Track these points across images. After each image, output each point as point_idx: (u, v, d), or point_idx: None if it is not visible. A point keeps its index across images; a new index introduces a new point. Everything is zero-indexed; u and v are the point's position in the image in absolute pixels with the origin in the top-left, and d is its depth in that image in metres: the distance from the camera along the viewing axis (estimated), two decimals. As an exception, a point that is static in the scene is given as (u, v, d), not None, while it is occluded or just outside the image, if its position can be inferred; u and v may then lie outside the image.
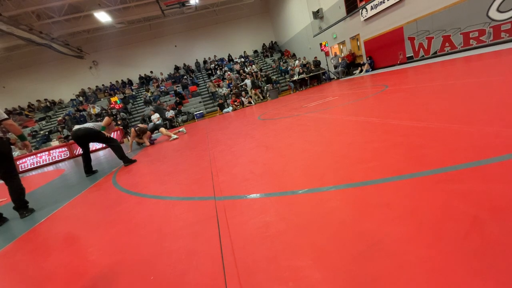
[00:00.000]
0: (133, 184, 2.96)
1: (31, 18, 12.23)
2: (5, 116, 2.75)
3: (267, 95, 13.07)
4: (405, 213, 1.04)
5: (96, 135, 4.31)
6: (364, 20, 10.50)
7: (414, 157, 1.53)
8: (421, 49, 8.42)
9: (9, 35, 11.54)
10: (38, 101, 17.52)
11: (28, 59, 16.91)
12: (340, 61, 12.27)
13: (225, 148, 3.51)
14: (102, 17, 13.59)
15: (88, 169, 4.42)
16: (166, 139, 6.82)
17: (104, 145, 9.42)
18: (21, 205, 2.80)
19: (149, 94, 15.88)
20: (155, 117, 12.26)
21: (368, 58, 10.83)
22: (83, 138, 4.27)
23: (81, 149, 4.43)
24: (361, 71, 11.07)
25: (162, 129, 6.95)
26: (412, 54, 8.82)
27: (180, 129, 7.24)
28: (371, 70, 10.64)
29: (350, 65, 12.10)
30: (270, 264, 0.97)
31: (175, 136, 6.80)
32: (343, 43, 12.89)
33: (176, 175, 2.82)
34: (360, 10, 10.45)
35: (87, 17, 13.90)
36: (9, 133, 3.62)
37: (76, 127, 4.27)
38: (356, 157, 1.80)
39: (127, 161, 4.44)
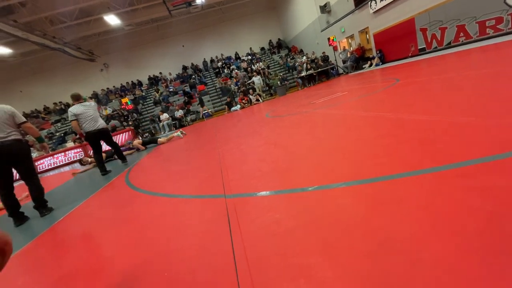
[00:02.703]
0: (145, 183, 3.03)
1: (44, 23, 12.63)
2: (24, 119, 2.87)
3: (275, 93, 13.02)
4: (419, 210, 1.02)
5: (109, 134, 4.71)
6: (373, 12, 10.23)
7: (427, 152, 1.49)
8: (434, 40, 8.14)
9: (25, 41, 11.99)
10: (54, 103, 18.15)
11: (43, 64, 17.51)
12: (349, 55, 12.04)
13: (233, 146, 3.53)
14: (112, 20, 13.86)
15: (103, 168, 4.60)
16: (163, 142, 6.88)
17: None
18: (41, 204, 2.92)
19: (157, 95, 16.14)
20: (164, 117, 12.42)
21: (378, 52, 10.57)
22: (100, 135, 4.53)
23: (92, 149, 4.63)
24: (370, 65, 10.82)
25: (160, 139, 6.99)
26: (425, 46, 8.53)
27: (176, 134, 7.31)
28: (381, 64, 10.38)
29: (359, 59, 11.85)
30: (281, 261, 0.97)
31: (179, 133, 7.05)
32: (351, 37, 12.63)
33: (187, 174, 2.87)
34: (369, 2, 10.19)
35: (97, 20, 14.22)
36: (27, 135, 3.78)
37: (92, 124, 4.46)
38: (366, 153, 1.77)
39: (125, 160, 5.10)
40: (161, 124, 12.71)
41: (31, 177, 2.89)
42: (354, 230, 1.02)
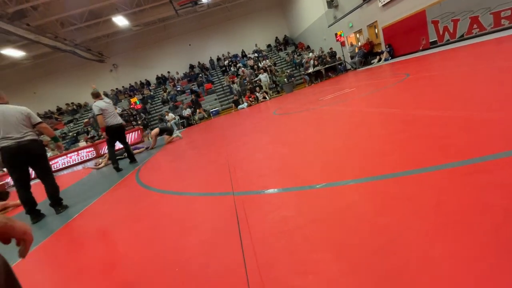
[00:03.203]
0: (155, 181, 3.09)
1: (55, 26, 12.96)
2: (39, 119, 2.97)
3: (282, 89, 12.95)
4: (430, 207, 1.00)
5: (125, 130, 5.01)
6: (383, 5, 10.00)
7: (438, 148, 1.46)
8: (446, 32, 7.89)
9: (37, 44, 12.34)
10: (67, 104, 18.66)
11: (55, 65, 17.98)
12: (357, 50, 11.83)
13: (241, 144, 3.55)
14: (120, 21, 14.08)
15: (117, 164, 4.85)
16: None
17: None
18: (56, 202, 3.02)
19: (165, 94, 16.34)
20: (170, 117, 12.55)
21: (387, 46, 10.34)
22: (119, 130, 4.81)
23: (109, 144, 4.89)
24: (379, 60, 10.60)
25: (166, 137, 7.14)
26: (436, 39, 8.28)
27: (174, 135, 7.39)
28: (391, 59, 10.15)
29: (367, 54, 11.62)
30: (289, 257, 0.98)
31: (179, 134, 7.25)
32: (359, 31, 12.39)
33: (195, 172, 2.91)
34: (378, -5, 9.96)
35: (106, 22, 14.47)
36: (42, 135, 3.91)
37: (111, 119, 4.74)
38: (375, 150, 1.75)
39: (134, 160, 5.21)
40: (168, 124, 12.87)
41: (47, 175, 2.99)
42: (363, 227, 1.01)
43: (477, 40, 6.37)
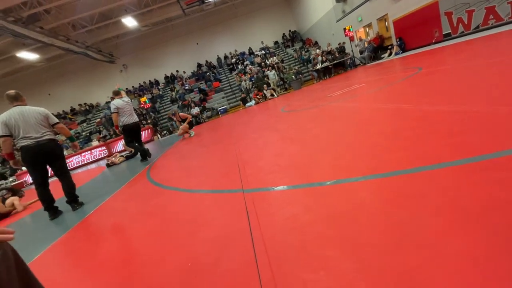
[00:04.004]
0: (166, 179, 3.15)
1: (67, 29, 13.31)
2: (57, 120, 3.11)
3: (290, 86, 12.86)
4: (444, 204, 0.98)
5: (140, 129, 5.26)
6: (393, -2, 9.73)
7: (453, 144, 1.42)
8: (460, 24, 7.61)
9: (50, 46, 12.72)
10: (80, 105, 19.20)
11: (67, 67, 18.51)
12: (366, 45, 11.58)
13: (250, 141, 3.56)
14: (129, 21, 14.32)
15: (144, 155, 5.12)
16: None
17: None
18: (73, 199, 3.14)
19: (174, 93, 16.52)
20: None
21: (397, 40, 10.07)
22: (135, 128, 5.04)
23: (126, 140, 5.17)
24: (390, 54, 10.34)
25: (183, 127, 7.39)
26: (450, 31, 8.01)
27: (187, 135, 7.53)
28: (402, 52, 9.89)
29: (377, 48, 11.36)
30: (300, 253, 0.99)
31: (191, 132, 7.43)
32: (369, 25, 12.12)
33: (205, 169, 2.95)
34: (388, -12, 9.69)
35: (116, 23, 14.75)
36: (57, 135, 4.08)
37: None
38: (385, 146, 1.72)
39: (145, 159, 5.26)
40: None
41: (64, 173, 3.11)
42: (374, 224, 1.01)
43: (494, 31, 6.11)
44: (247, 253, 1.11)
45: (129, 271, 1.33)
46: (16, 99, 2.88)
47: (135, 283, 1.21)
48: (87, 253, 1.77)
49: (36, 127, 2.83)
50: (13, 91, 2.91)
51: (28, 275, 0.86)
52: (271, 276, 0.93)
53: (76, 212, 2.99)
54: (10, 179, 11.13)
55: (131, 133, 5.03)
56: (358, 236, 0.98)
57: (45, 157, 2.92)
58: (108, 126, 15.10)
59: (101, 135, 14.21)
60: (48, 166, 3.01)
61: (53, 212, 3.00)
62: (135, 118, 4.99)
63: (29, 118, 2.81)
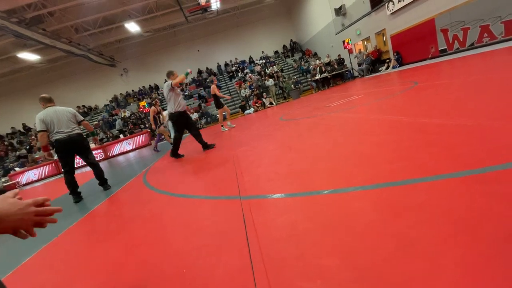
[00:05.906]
0: (162, 184, 3.12)
1: (70, 31, 13.43)
2: (82, 118, 3.66)
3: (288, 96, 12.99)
4: (439, 215, 0.99)
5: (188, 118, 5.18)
6: (391, 13, 10.03)
7: (448, 156, 1.44)
8: (455, 41, 7.85)
9: (52, 48, 12.78)
10: (78, 107, 19.14)
11: (68, 69, 18.57)
12: (364, 58, 11.83)
13: (248, 149, 3.57)
14: (132, 27, 14.50)
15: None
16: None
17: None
18: (104, 181, 3.76)
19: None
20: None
21: (395, 54, 10.32)
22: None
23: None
24: (387, 67, 10.57)
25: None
26: (446, 47, 8.24)
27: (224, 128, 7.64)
28: (399, 66, 10.11)
29: (375, 61, 11.61)
30: (297, 262, 0.98)
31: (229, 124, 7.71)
32: (367, 39, 12.42)
33: (202, 175, 2.93)
34: (386, 4, 10.01)
35: (119, 28, 14.93)
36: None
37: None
38: (384, 157, 1.74)
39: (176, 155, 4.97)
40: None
41: (94, 162, 3.66)
42: (372, 234, 1.01)
43: (488, 49, 6.30)
44: (243, 261, 1.10)
45: (121, 277, 1.30)
46: (50, 101, 3.48)
47: (128, 289, 1.18)
48: (79, 256, 1.74)
49: (67, 123, 3.39)
50: (47, 94, 3.53)
51: None
52: (267, 284, 0.92)
53: (71, 213, 2.95)
54: (3, 179, 10.94)
55: (182, 124, 4.66)
56: (356, 245, 0.98)
57: (75, 148, 3.47)
58: (105, 129, 15.05)
59: (99, 138, 14.13)
60: (77, 157, 3.57)
61: (77, 196, 3.53)
62: (179, 107, 4.70)
63: (61, 116, 3.37)
